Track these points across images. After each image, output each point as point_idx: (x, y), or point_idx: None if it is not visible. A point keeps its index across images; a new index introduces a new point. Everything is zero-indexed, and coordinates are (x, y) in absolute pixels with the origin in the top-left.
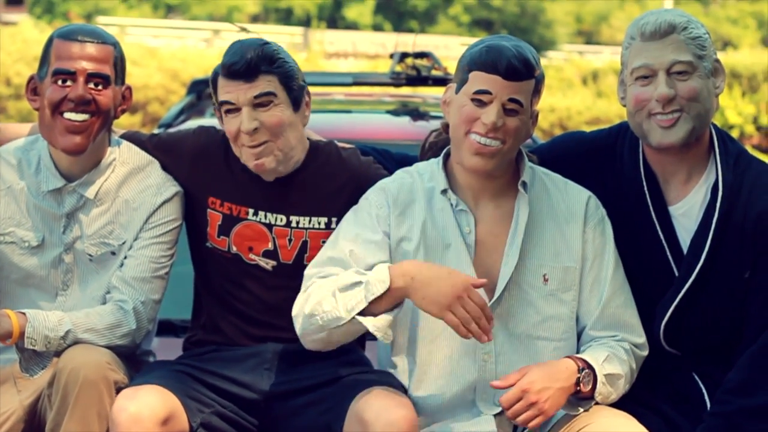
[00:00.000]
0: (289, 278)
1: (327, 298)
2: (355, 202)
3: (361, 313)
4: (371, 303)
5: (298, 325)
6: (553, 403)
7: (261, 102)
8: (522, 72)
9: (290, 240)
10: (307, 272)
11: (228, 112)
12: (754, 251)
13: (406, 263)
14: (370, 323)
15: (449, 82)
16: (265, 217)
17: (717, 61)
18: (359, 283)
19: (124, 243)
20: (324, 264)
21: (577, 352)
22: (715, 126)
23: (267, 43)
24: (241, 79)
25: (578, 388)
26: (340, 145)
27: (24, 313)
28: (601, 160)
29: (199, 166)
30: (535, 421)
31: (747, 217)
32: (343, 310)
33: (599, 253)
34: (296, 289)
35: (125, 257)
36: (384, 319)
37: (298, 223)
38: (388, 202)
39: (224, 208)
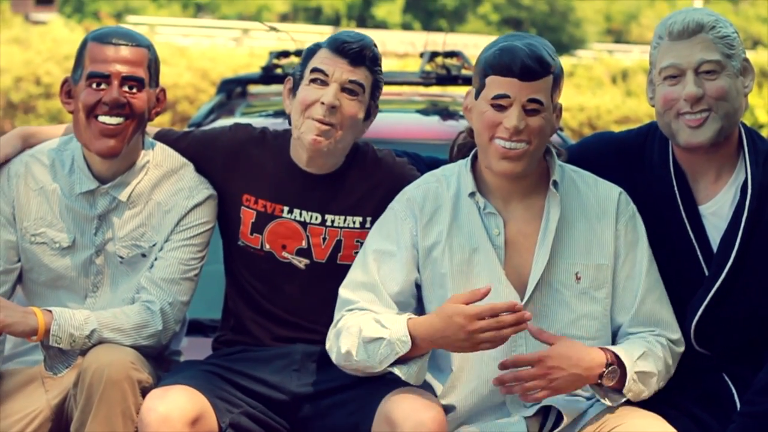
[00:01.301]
0: (321, 278)
1: (357, 349)
2: (390, 201)
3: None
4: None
5: (333, 357)
6: (562, 385)
7: (350, 89)
8: (537, 71)
9: (324, 239)
10: (341, 294)
11: (314, 81)
12: None
13: (421, 323)
14: (402, 373)
15: None
16: (300, 215)
17: (746, 60)
18: (382, 339)
19: (154, 245)
20: (355, 288)
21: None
22: (744, 125)
23: (375, 45)
24: (347, 58)
25: (600, 381)
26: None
27: (50, 311)
28: (630, 160)
29: (235, 162)
30: (540, 394)
31: None
32: (375, 363)
33: (632, 249)
34: (329, 290)
35: (155, 258)
36: (415, 366)
37: (333, 222)
38: (414, 212)
39: (258, 205)
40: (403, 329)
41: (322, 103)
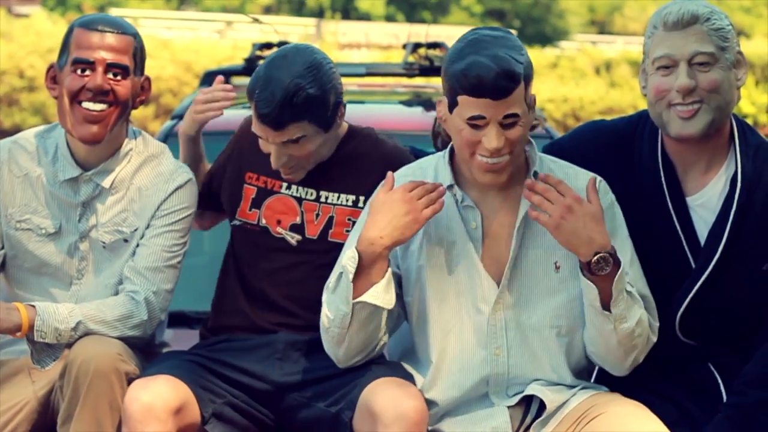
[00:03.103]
0: (311, 253)
1: (327, 307)
2: None
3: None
4: (359, 282)
5: (330, 353)
6: (565, 229)
7: (291, 141)
8: (510, 87)
9: (317, 215)
10: (323, 298)
11: (260, 137)
12: None
13: (365, 231)
14: (367, 297)
15: None
16: (297, 190)
17: (740, 52)
18: (339, 275)
19: (136, 230)
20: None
21: None
22: (735, 117)
23: (298, 77)
24: (270, 126)
25: (590, 261)
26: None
27: (33, 306)
28: (620, 150)
29: (242, 144)
30: (543, 217)
31: (766, 209)
32: (342, 305)
33: (611, 238)
34: (317, 267)
35: (137, 246)
36: (378, 286)
37: (327, 198)
38: None
39: (260, 181)
40: (350, 250)
41: (273, 165)
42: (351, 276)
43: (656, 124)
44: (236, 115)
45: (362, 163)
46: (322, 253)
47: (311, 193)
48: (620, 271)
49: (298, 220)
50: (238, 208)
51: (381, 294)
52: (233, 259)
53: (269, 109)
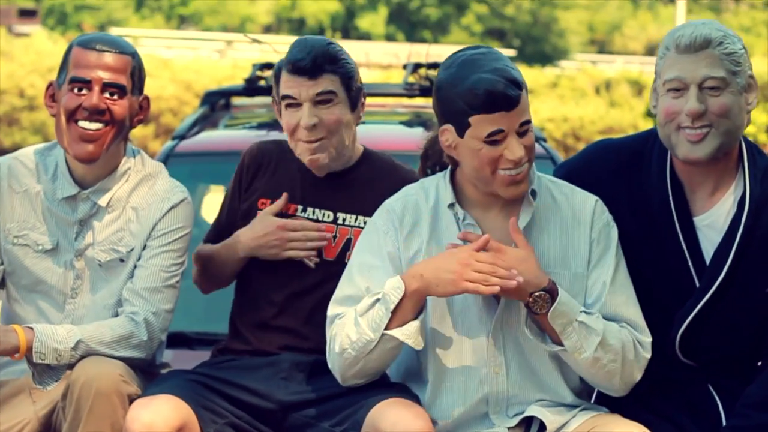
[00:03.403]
0: (328, 276)
1: (351, 329)
2: None
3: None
4: (394, 315)
5: (335, 370)
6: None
7: (322, 99)
8: (518, 94)
9: (335, 237)
10: (329, 312)
11: (289, 106)
12: None
13: (414, 266)
14: (399, 333)
15: None
16: (313, 212)
17: (751, 76)
18: (377, 300)
19: (132, 250)
20: (342, 303)
21: None
22: (745, 138)
23: (331, 42)
24: (305, 75)
25: (528, 302)
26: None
27: (31, 328)
28: (630, 168)
29: (252, 172)
30: (489, 287)
31: None
32: (370, 332)
33: (603, 255)
34: (331, 291)
35: (135, 267)
36: (412, 325)
37: (344, 220)
38: (394, 224)
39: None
40: (396, 279)
41: (303, 126)
42: (392, 307)
43: (665, 145)
44: (239, 135)
45: (380, 185)
46: (339, 276)
47: (328, 215)
48: (553, 307)
49: None
50: None
51: (414, 334)
52: (247, 283)
53: (306, 54)
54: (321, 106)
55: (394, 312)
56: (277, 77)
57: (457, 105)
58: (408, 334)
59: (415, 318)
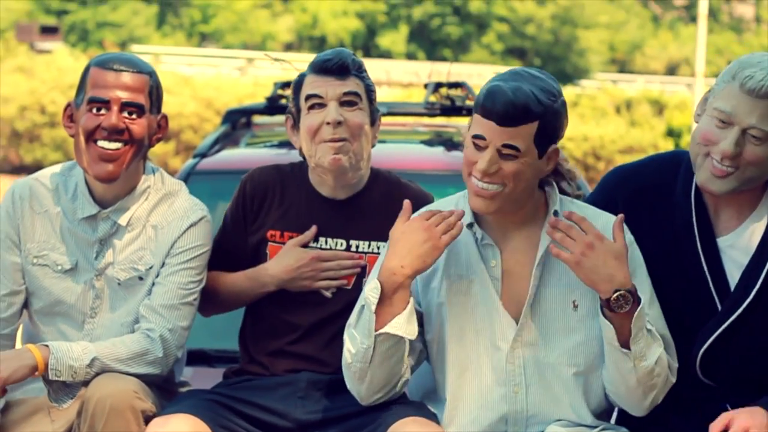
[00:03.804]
0: (346, 306)
1: (349, 343)
2: None
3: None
4: (381, 314)
5: (353, 390)
6: (585, 265)
7: (348, 101)
8: (517, 117)
9: None
10: (345, 335)
11: (313, 107)
12: None
13: (386, 263)
14: (389, 328)
15: None
16: (326, 242)
17: None
18: (361, 308)
19: (151, 268)
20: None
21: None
22: None
23: (356, 56)
24: (333, 75)
25: (610, 298)
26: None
27: (47, 345)
28: (651, 190)
29: (258, 202)
30: (565, 254)
31: None
32: (364, 338)
33: (633, 274)
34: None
35: (153, 284)
36: (400, 318)
37: (357, 247)
38: None
39: (284, 238)
40: (372, 282)
41: (328, 123)
42: (373, 307)
43: (691, 157)
44: (260, 154)
45: (389, 207)
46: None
47: (341, 243)
48: (639, 308)
49: None
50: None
51: (403, 324)
52: (259, 315)
53: (334, 56)
54: (346, 108)
55: (381, 312)
56: (299, 83)
57: (475, 99)
58: (397, 326)
59: (404, 310)
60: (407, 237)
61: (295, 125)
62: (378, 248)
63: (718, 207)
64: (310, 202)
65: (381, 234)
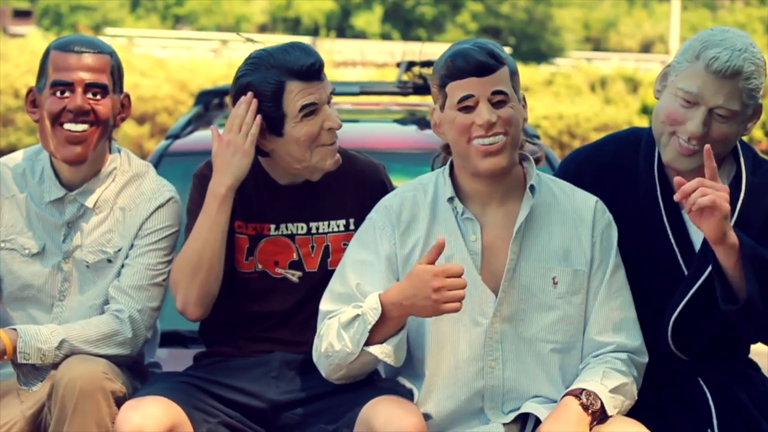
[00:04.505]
0: (314, 288)
1: (335, 338)
2: (368, 199)
3: (369, 343)
4: (376, 331)
5: (321, 370)
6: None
7: (329, 100)
8: (492, 63)
9: (313, 247)
10: (321, 308)
11: (307, 115)
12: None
13: (391, 290)
14: (378, 351)
15: None
16: (287, 228)
17: (759, 104)
18: (357, 316)
19: (120, 250)
20: (334, 301)
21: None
22: None
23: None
24: (317, 78)
25: (589, 412)
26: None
27: (14, 329)
28: (613, 167)
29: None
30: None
31: (765, 222)
32: (351, 346)
33: (604, 257)
34: (318, 302)
35: (122, 266)
36: (390, 344)
37: (318, 228)
38: (392, 221)
39: (249, 229)
40: (374, 299)
41: (330, 129)
42: (370, 327)
43: (654, 134)
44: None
45: (342, 184)
46: (326, 285)
47: (302, 227)
48: (602, 397)
49: (295, 256)
50: (234, 260)
51: (392, 353)
52: (226, 305)
53: (314, 58)
54: (329, 107)
55: (373, 329)
56: (279, 90)
57: (438, 77)
58: (387, 353)
59: (396, 334)
60: (420, 284)
61: (273, 130)
62: (338, 227)
63: (682, 176)
64: (269, 191)
65: (338, 212)
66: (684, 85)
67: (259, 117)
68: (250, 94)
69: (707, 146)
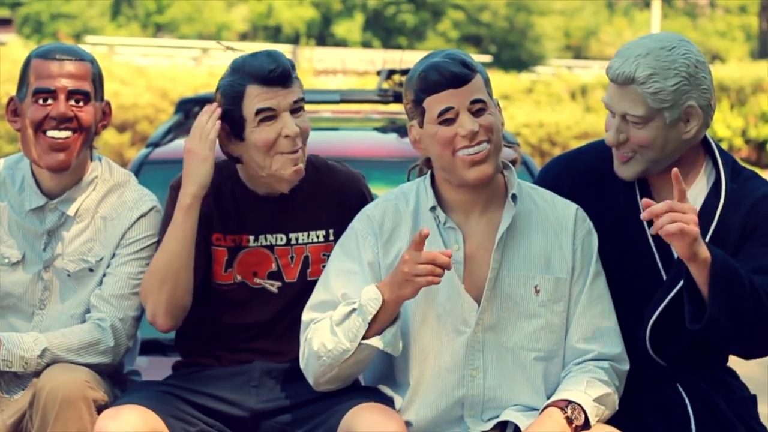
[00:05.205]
0: (294, 298)
1: (327, 337)
2: (348, 210)
3: (365, 337)
4: (371, 324)
5: (309, 375)
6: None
7: (296, 108)
8: (466, 73)
9: (292, 258)
10: (303, 317)
11: (264, 120)
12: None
13: (383, 283)
14: (378, 342)
15: None
16: (266, 239)
17: (691, 106)
18: (353, 310)
19: (101, 259)
20: (318, 308)
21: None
22: (706, 136)
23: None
24: (279, 85)
25: (573, 425)
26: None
27: None
28: (593, 175)
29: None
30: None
31: (744, 227)
32: (346, 342)
33: (585, 265)
34: (299, 312)
35: (104, 275)
36: (389, 332)
37: (297, 239)
38: (374, 230)
39: (227, 241)
40: (372, 289)
41: (287, 136)
42: (370, 317)
43: None
44: None
45: (322, 194)
46: (305, 295)
47: (281, 238)
48: (585, 407)
49: (274, 267)
50: (211, 272)
51: (391, 341)
52: (204, 316)
53: (276, 65)
54: (295, 115)
55: (371, 321)
56: (238, 93)
57: (413, 94)
58: (386, 342)
59: (392, 324)
60: (398, 268)
61: (235, 133)
62: (317, 237)
63: (659, 185)
64: (248, 202)
65: (318, 223)
66: (603, 98)
67: (218, 122)
68: (215, 103)
69: (675, 170)
